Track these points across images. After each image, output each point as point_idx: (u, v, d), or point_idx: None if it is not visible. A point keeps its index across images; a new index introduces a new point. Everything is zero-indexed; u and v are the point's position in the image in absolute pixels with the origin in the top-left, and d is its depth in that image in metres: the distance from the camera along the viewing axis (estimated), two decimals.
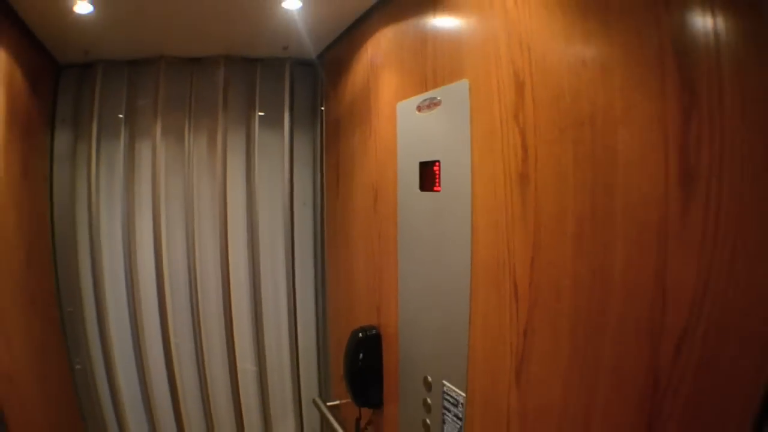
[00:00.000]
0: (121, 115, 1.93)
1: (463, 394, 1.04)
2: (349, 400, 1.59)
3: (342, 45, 1.74)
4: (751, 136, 0.52)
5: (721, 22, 0.54)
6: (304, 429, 2.16)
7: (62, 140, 1.91)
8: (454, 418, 1.08)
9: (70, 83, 1.91)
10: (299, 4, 1.38)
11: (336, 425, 1.78)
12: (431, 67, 1.12)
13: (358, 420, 1.59)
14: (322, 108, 2.01)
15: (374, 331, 1.47)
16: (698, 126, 0.57)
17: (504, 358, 0.90)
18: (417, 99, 1.16)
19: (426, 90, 1.13)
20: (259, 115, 2.01)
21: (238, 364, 2.06)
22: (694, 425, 0.59)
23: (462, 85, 0.98)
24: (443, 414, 1.12)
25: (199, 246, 1.98)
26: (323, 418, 1.97)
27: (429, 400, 1.19)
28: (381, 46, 1.40)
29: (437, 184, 1.11)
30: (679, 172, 0.59)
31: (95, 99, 1.88)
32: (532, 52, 0.79)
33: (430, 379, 1.18)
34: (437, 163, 1.10)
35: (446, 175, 1.07)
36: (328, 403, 1.92)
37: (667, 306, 0.61)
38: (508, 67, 0.85)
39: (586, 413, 0.73)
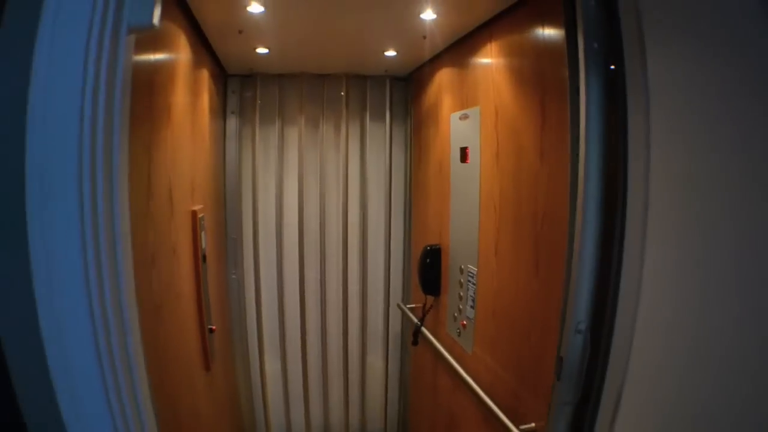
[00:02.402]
0: (274, 108, 2.95)
1: (475, 269, 2.00)
2: (420, 304, 2.59)
3: (422, 72, 2.70)
4: (557, 136, 1.43)
5: (551, 88, 1.45)
6: (390, 325, 3.19)
7: (231, 125, 2.93)
8: (472, 285, 2.04)
9: (235, 87, 2.93)
10: (394, 53, 2.36)
11: (412, 316, 2.79)
12: (465, 95, 2.06)
13: (424, 306, 2.58)
14: (411, 110, 2.99)
15: (437, 246, 2.44)
16: (545, 132, 1.48)
17: (490, 243, 1.85)
18: (459, 113, 2.11)
19: (463, 108, 2.08)
20: (369, 113, 3.02)
21: (349, 285, 3.11)
22: (547, 258, 1.50)
23: (477, 109, 1.92)
24: (467, 284, 2.08)
25: (327, 198, 3.04)
26: (403, 316, 3.00)
27: (461, 280, 2.15)
28: (444, 77, 2.35)
29: (468, 159, 2.05)
30: (540, 152, 1.50)
31: (257, 98, 2.93)
32: (501, 96, 1.72)
33: (462, 267, 2.14)
34: (468, 148, 2.04)
35: (471, 154, 2.01)
36: (408, 305, 2.94)
37: (537, 204, 1.53)
38: (493, 101, 1.78)
39: (517, 262, 1.67)
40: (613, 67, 1.25)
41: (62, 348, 0.72)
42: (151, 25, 0.85)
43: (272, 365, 3.12)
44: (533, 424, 1.61)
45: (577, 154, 1.30)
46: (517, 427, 1.62)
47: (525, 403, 1.65)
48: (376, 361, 3.22)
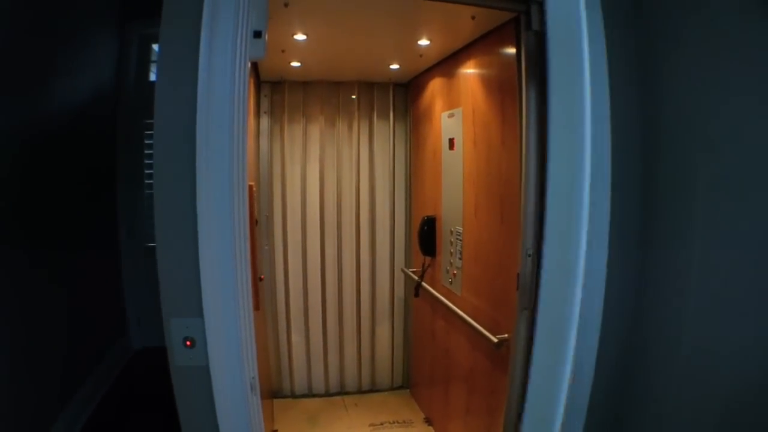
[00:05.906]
0: (299, 110, 3.62)
1: (461, 228, 2.67)
2: (420, 269, 3.26)
3: (419, 80, 3.37)
4: (512, 127, 2.09)
5: (508, 93, 2.12)
6: (395, 286, 3.86)
7: (264, 123, 3.58)
8: (459, 241, 2.71)
9: (267, 91, 3.59)
10: (398, 66, 3.04)
11: (413, 276, 3.45)
12: (452, 98, 2.74)
13: (424, 264, 3.24)
14: (410, 110, 3.66)
15: (433, 216, 3.11)
16: (505, 125, 2.15)
17: (471, 207, 2.52)
18: (447, 112, 2.79)
19: (450, 108, 2.75)
20: (376, 113, 3.69)
21: (360, 255, 3.78)
22: (509, 212, 2.16)
23: (460, 109, 2.60)
24: (456, 241, 2.76)
25: (342, 183, 3.70)
26: (406, 281, 3.67)
27: (451, 240, 2.83)
28: (436, 84, 3.03)
29: (454, 147, 2.72)
30: (501, 139, 2.18)
31: (285, 101, 3.60)
32: (476, 99, 2.40)
33: (451, 229, 2.82)
34: (454, 139, 2.72)
35: (456, 143, 2.69)
36: (410, 269, 3.61)
37: (501, 175, 2.20)
38: (471, 103, 2.46)
39: (489, 217, 2.34)
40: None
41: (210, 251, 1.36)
42: (262, 57, 1.52)
43: (296, 319, 3.78)
44: (506, 335, 2.24)
45: (522, 139, 1.97)
46: (495, 336, 2.26)
47: (500, 323, 2.27)
48: (384, 321, 3.89)
